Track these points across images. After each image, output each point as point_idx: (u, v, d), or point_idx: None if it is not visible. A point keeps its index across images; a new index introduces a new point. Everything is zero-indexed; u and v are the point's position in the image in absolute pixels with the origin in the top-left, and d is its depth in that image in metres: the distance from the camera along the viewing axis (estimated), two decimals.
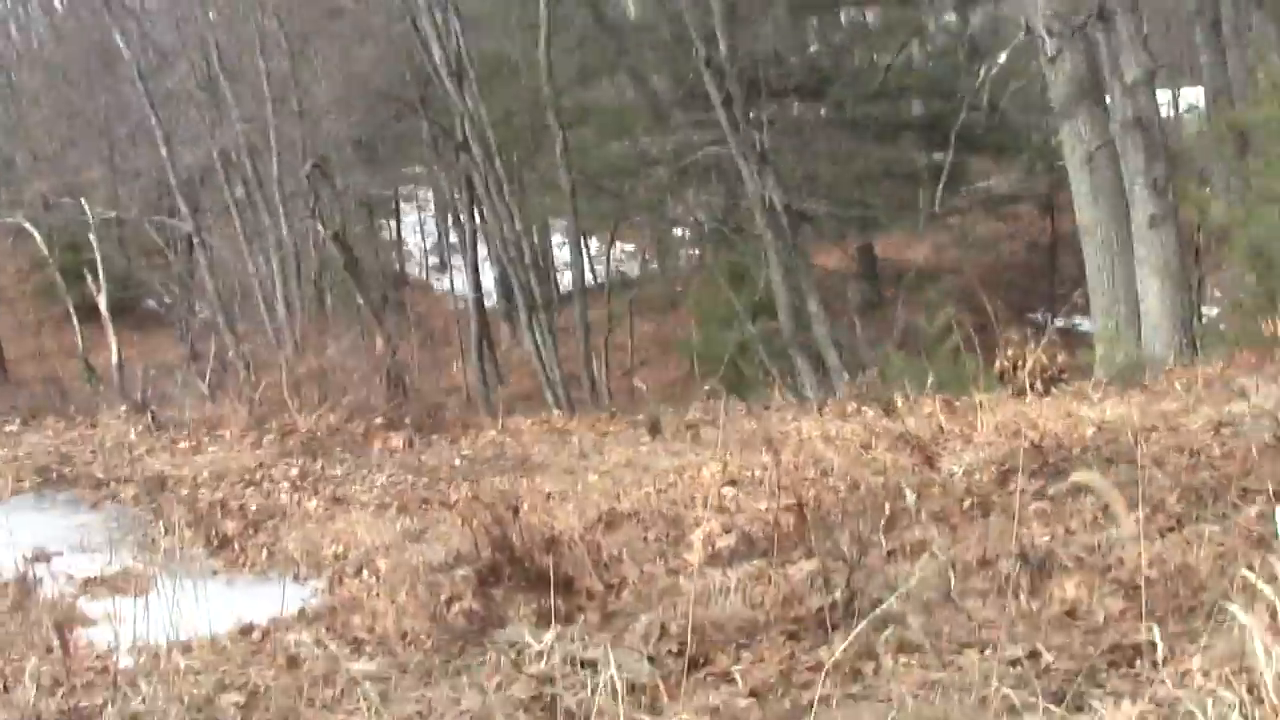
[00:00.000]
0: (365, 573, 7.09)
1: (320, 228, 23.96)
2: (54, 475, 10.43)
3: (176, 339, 39.90)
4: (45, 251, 33.78)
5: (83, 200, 32.46)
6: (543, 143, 27.67)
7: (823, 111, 24.95)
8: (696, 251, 33.02)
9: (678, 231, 34.08)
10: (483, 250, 36.52)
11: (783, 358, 20.89)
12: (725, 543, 6.33)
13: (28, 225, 34.38)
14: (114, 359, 30.61)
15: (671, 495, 8.00)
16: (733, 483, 7.92)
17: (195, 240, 27.53)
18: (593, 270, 30.24)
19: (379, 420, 10.61)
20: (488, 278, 37.73)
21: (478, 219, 31.74)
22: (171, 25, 31.85)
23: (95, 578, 7.48)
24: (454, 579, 6.57)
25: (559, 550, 6.70)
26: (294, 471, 9.56)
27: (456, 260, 45.81)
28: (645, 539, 7.08)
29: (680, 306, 33.01)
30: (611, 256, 29.62)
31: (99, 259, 31.03)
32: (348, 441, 10.29)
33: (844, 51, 28.40)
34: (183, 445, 10.68)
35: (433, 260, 46.52)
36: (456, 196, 36.34)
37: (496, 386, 30.52)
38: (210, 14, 28.80)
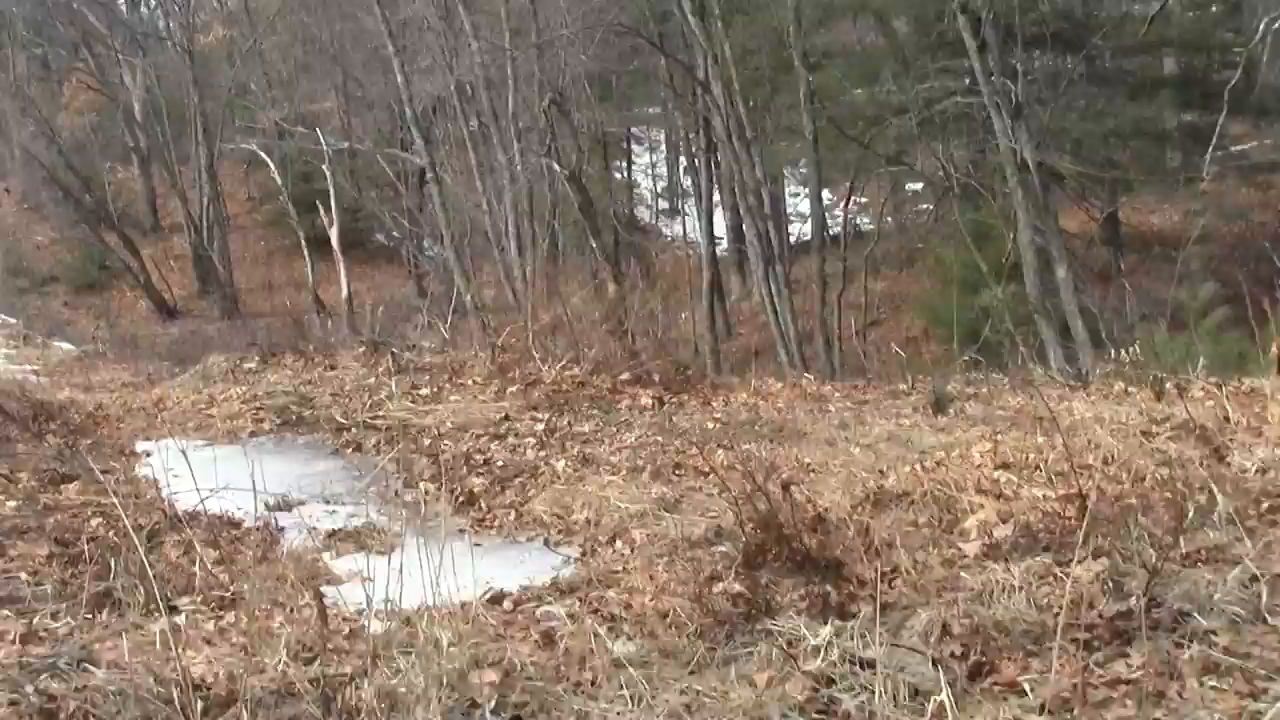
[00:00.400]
0: (619, 543, 6.90)
1: (556, 166, 23.89)
2: (294, 417, 10.50)
3: (406, 275, 40.73)
4: (279, 181, 34.68)
5: (318, 130, 33.19)
6: (781, 87, 27.18)
7: (1069, 63, 23.76)
8: (931, 207, 32.18)
9: (911, 186, 33.29)
10: (715, 196, 36.39)
11: (1024, 324, 20.14)
12: (1002, 532, 6.07)
13: (261, 153, 35.33)
14: (344, 293, 31.41)
15: (940, 475, 7.59)
16: (1005, 465, 7.50)
17: (430, 175, 27.74)
18: (824, 223, 29.51)
19: (625, 375, 10.38)
20: (718, 225, 37.50)
21: (713, 164, 31.55)
22: None
23: (340, 530, 7.41)
24: (715, 556, 6.30)
25: (826, 530, 6.40)
26: (540, 427, 9.40)
27: (686, 205, 45.75)
28: (915, 523, 6.71)
29: (915, 265, 32.24)
30: (846, 209, 28.90)
31: (332, 191, 31.80)
32: (594, 397, 10.09)
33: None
34: (424, 391, 10.62)
35: (662, 204, 46.46)
36: (692, 139, 36.14)
37: (724, 339, 30.30)
38: None
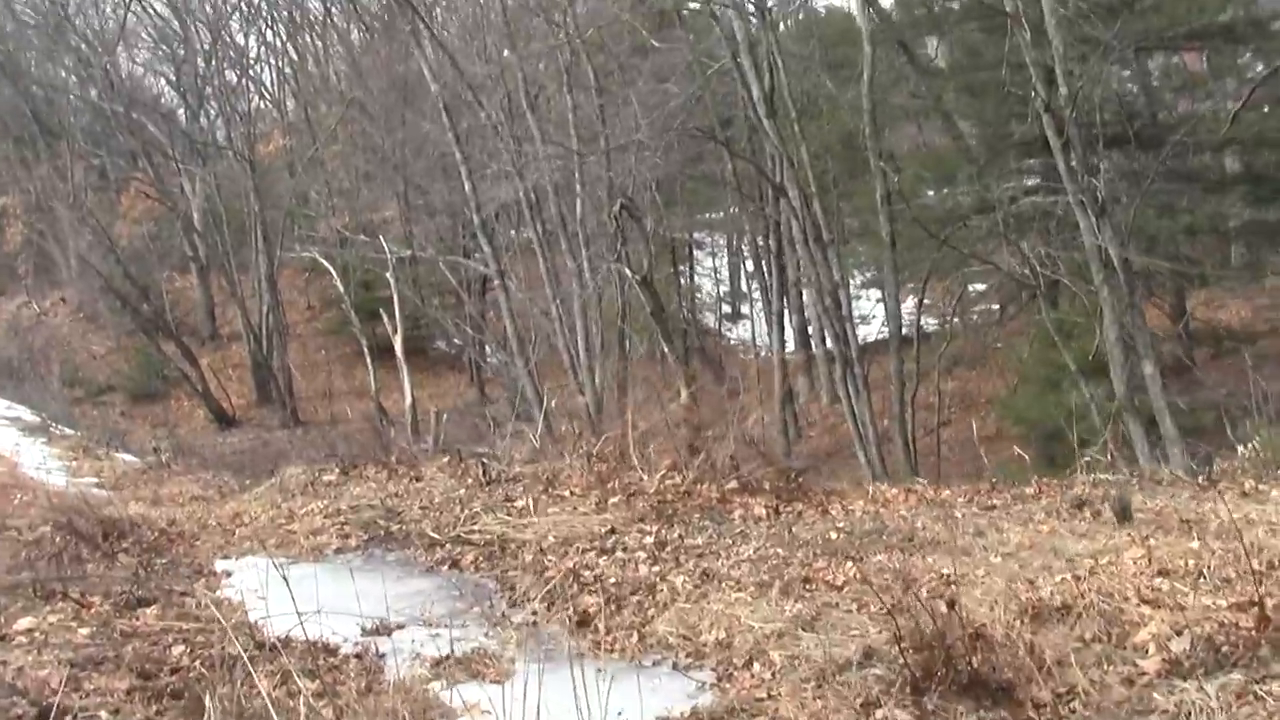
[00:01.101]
0: (757, 665, 6.33)
1: (628, 271, 23.45)
2: (382, 533, 9.95)
3: (468, 382, 40.39)
4: (341, 288, 34.45)
5: (380, 238, 33.00)
6: (852, 190, 26.80)
7: (1141, 161, 23.32)
8: (997, 307, 31.72)
9: (975, 287, 32.78)
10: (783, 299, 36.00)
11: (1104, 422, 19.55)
12: (1180, 646, 5.62)
13: (324, 261, 35.14)
14: (408, 400, 30.98)
15: (1097, 585, 7.00)
16: (1164, 573, 6.95)
17: (497, 281, 27.38)
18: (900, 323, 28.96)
19: (731, 483, 9.77)
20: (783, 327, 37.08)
21: (781, 267, 31.11)
22: (475, 59, 32.03)
23: (447, 657, 6.81)
24: (868, 680, 5.80)
25: (989, 648, 5.82)
26: (649, 540, 8.79)
27: (747, 309, 45.40)
28: (1082, 638, 6.16)
29: (982, 364, 31.63)
30: (919, 309, 28.37)
31: (396, 298, 31.49)
32: (702, 507, 9.48)
33: (1180, 96, 27.01)
34: (519, 504, 10.04)
35: (724, 308, 46.14)
36: (759, 243, 35.81)
37: (794, 441, 29.67)
38: (515, 47, 28.66)
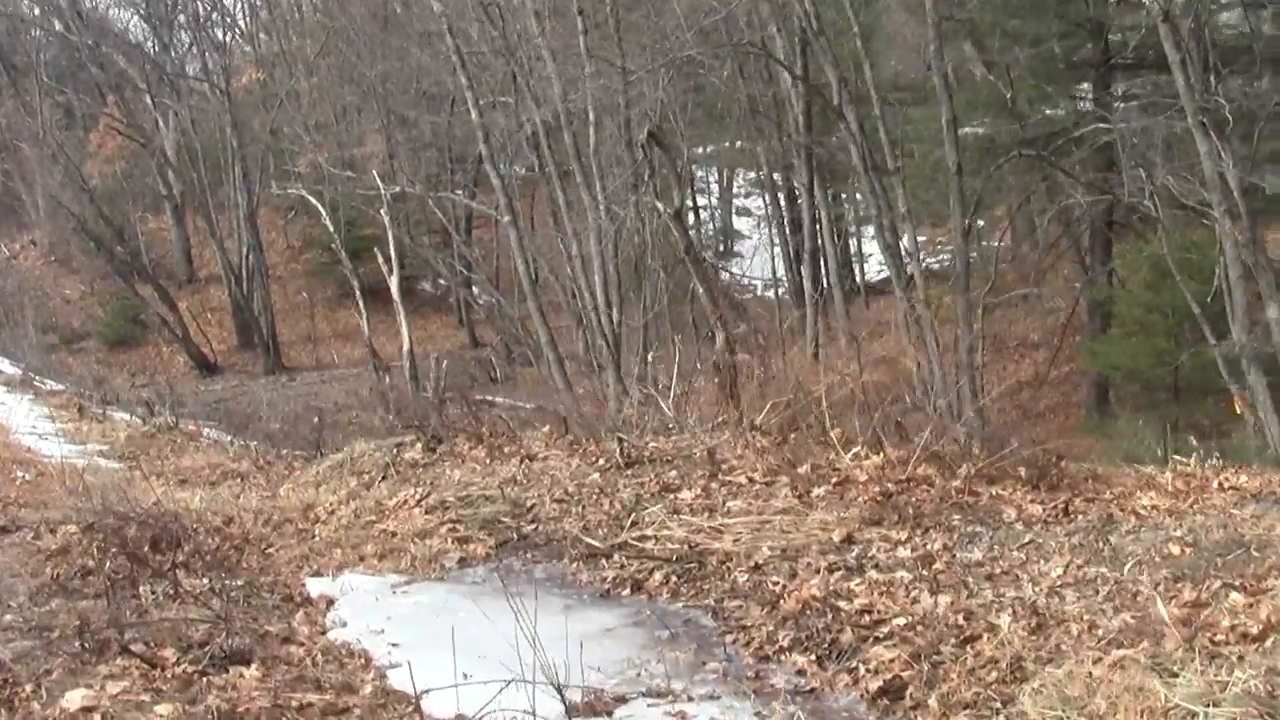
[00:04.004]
0: None
1: (659, 204, 20.82)
2: (513, 536, 7.45)
3: (456, 324, 37.74)
4: (330, 227, 31.61)
5: (374, 173, 30.23)
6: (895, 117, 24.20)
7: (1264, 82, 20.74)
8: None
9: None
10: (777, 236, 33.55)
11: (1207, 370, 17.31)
12: None
13: (310, 198, 32.30)
14: (405, 345, 28.29)
15: None
16: None
17: (507, 218, 24.67)
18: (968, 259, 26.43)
19: (966, 468, 7.28)
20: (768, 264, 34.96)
21: (810, 202, 28.56)
22: None
23: None
24: None
25: None
26: (905, 551, 6.34)
27: (737, 245, 42.96)
28: None
29: (1010, 305, 29.24)
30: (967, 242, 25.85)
31: (391, 236, 28.73)
32: (943, 500, 7.01)
33: None
34: (684, 495, 7.54)
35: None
36: (775, 179, 33.20)
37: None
38: None
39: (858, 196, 33.91)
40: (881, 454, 7.71)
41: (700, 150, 38.81)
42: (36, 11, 43.55)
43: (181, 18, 41.59)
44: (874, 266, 37.41)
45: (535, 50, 25.12)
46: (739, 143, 34.69)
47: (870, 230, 37.53)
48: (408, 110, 35.71)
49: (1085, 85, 22.38)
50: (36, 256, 42.77)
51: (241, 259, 37.42)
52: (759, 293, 38.34)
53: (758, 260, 39.62)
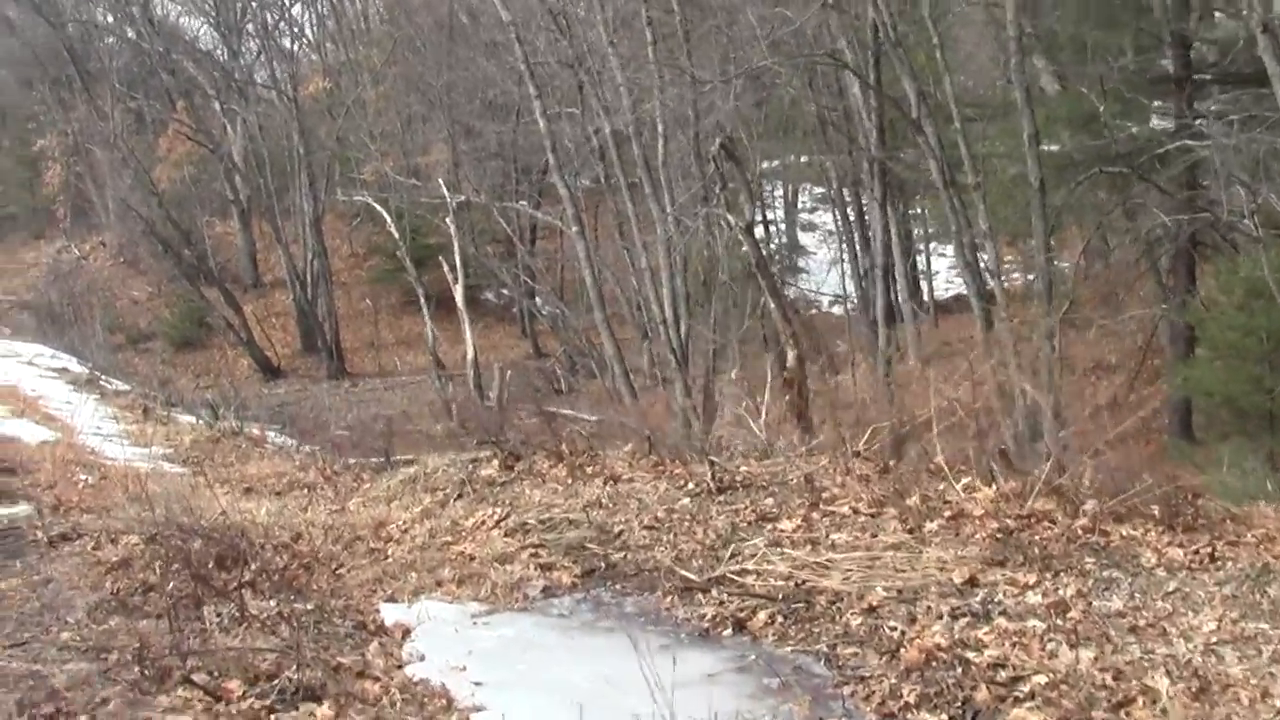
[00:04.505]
0: None
1: (730, 217, 20.22)
2: (600, 564, 6.89)
3: (519, 334, 37.27)
4: (396, 234, 31.23)
5: (440, 182, 29.86)
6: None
7: None
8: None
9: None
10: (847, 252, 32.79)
11: None
12: None
13: (377, 205, 31.98)
14: (469, 354, 27.86)
15: None
16: None
17: (575, 228, 24.13)
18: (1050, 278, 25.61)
19: (1094, 505, 6.63)
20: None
21: (885, 218, 27.83)
22: None
23: None
24: None
25: None
26: (1035, 597, 5.73)
27: (801, 261, 42.27)
28: None
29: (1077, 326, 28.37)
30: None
31: (457, 245, 28.33)
32: (1068, 539, 6.38)
33: None
34: (784, 525, 6.95)
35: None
36: (845, 194, 32.49)
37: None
38: None
39: (923, 212, 33.30)
40: (994, 485, 7.08)
41: (766, 165, 38.23)
42: (110, 19, 43.59)
43: (250, 26, 41.44)
44: (939, 284, 36.77)
45: (603, 60, 24.66)
46: (804, 157, 34.08)
47: (936, 247, 37.05)
48: (473, 120, 35.35)
49: (1167, 101, 21.57)
50: (106, 258, 42.64)
51: (306, 264, 37.09)
52: (824, 308, 37.74)
53: (822, 275, 39.04)
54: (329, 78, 40.45)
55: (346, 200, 34.42)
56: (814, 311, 37.02)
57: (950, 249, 39.16)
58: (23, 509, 8.58)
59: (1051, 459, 7.28)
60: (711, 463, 7.65)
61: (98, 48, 43.57)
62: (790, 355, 17.31)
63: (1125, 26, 21.21)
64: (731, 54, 23.80)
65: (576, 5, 26.66)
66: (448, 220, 29.10)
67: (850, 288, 33.82)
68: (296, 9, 44.54)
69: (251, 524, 7.81)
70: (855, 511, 7.01)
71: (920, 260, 35.38)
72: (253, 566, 6.76)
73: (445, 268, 29.12)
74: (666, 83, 23.50)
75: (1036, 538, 6.41)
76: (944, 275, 38.03)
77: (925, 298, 33.83)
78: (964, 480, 7.23)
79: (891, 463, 7.98)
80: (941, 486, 7.21)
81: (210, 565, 6.66)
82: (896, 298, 30.57)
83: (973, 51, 31.77)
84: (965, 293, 35.55)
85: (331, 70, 41.27)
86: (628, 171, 25.45)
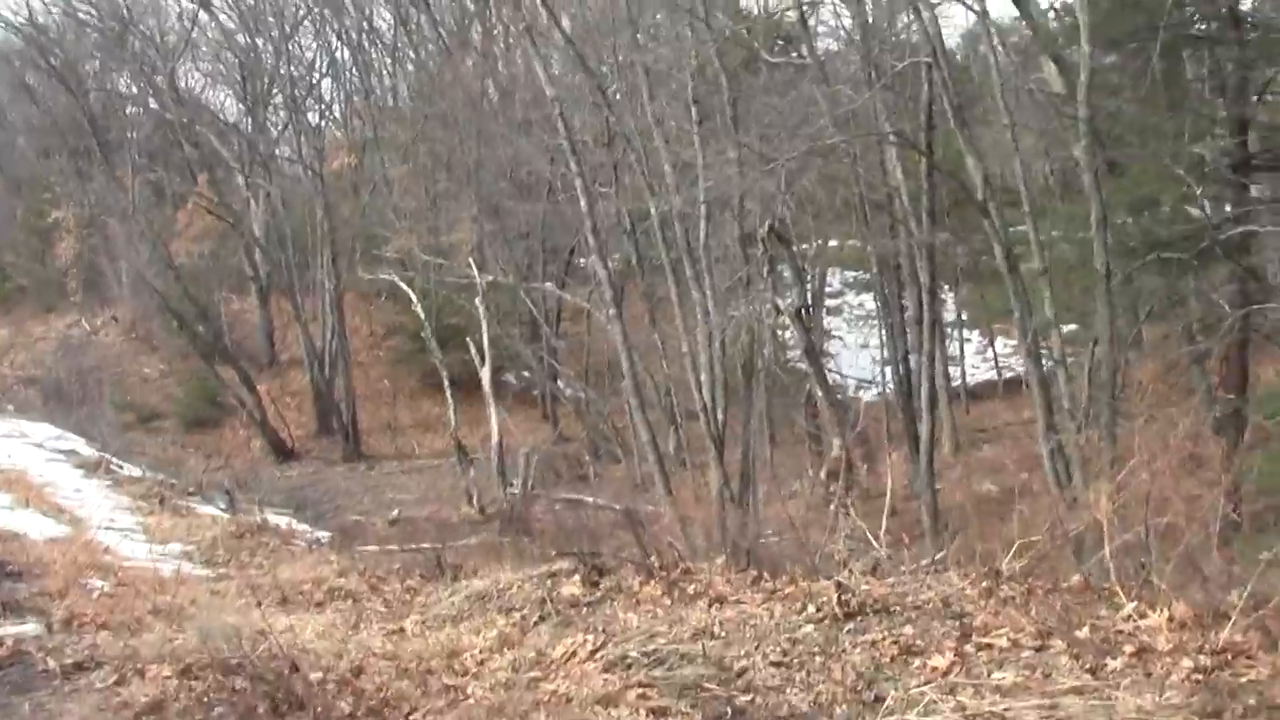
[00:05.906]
0: None
1: (780, 302, 19.24)
2: (726, 710, 5.70)
3: (540, 418, 36.20)
4: (421, 314, 30.33)
5: (470, 262, 29.03)
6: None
7: None
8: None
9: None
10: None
11: None
12: None
13: (403, 284, 31.14)
14: (494, 438, 26.82)
15: None
16: None
17: (612, 311, 23.11)
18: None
19: None
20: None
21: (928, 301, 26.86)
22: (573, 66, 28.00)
23: None
24: None
25: None
26: None
27: (828, 346, 41.27)
28: None
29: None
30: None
31: (485, 326, 27.41)
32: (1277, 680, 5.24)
33: None
34: (935, 662, 5.81)
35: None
36: (882, 277, 31.54)
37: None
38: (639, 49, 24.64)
39: (956, 295, 32.47)
40: (1167, 611, 5.95)
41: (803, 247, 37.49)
42: (134, 89, 43.05)
43: (278, 98, 40.87)
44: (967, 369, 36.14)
45: (646, 137, 23.84)
46: (839, 240, 33.33)
47: (966, 333, 36.32)
48: (502, 199, 34.56)
49: (1222, 186, 20.71)
50: (117, 332, 41.76)
51: (325, 343, 36.16)
52: (850, 392, 36.81)
53: (847, 358, 38.33)
54: (355, 153, 39.80)
55: (371, 278, 33.56)
56: (840, 396, 36.13)
57: (975, 334, 38.58)
58: (31, 627, 7.46)
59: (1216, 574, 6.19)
60: (839, 584, 6.54)
61: (119, 118, 43.08)
62: (835, 444, 16.27)
63: (1184, 109, 20.37)
64: (777, 134, 22.88)
65: (622, 81, 25.88)
66: (476, 301, 28.25)
67: (881, 372, 33.09)
68: (325, 84, 44.15)
69: (300, 650, 6.67)
70: (1015, 644, 5.87)
71: (951, 346, 34.57)
72: (313, 711, 5.63)
73: (472, 349, 28.23)
74: (711, 163, 22.66)
75: (1243, 680, 5.27)
76: (969, 361, 37.36)
77: (956, 384, 32.97)
78: (1128, 606, 6.11)
79: (1029, 579, 6.86)
80: (1104, 613, 6.09)
81: (261, 710, 5.54)
82: (933, 383, 29.63)
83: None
84: (993, 378, 34.72)
85: (357, 145, 40.61)
86: (659, 253, 24.52)
